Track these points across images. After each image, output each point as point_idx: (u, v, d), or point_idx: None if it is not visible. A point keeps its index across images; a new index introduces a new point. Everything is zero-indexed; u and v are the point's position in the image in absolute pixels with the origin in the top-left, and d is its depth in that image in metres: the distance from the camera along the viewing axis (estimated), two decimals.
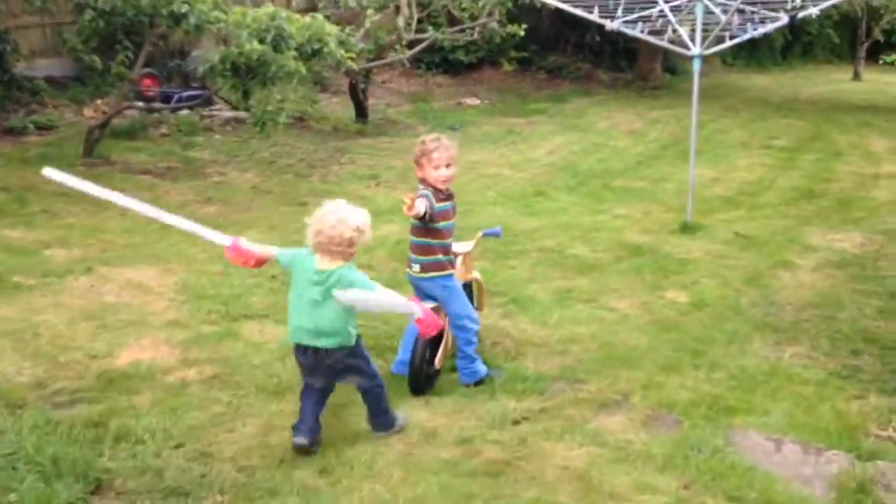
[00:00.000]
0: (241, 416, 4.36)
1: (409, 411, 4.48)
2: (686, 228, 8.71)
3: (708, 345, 5.61)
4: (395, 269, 6.94)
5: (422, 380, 4.71)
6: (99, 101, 13.20)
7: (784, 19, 8.42)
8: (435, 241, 4.74)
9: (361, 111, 13.97)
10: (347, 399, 4.43)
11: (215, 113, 13.09)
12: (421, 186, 4.74)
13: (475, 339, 4.85)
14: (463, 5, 13.98)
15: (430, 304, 4.37)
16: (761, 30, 8.71)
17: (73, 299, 5.89)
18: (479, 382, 4.84)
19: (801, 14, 8.18)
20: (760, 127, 15.87)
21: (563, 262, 7.37)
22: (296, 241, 7.92)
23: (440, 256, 4.76)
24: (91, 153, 10.10)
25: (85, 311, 5.67)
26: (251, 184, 9.64)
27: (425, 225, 4.69)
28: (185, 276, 6.51)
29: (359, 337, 4.12)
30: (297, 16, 9.04)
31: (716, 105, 17.71)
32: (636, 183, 11.02)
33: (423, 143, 4.75)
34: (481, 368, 4.89)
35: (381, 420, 4.25)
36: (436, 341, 4.75)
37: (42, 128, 11.68)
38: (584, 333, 5.69)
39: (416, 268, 4.77)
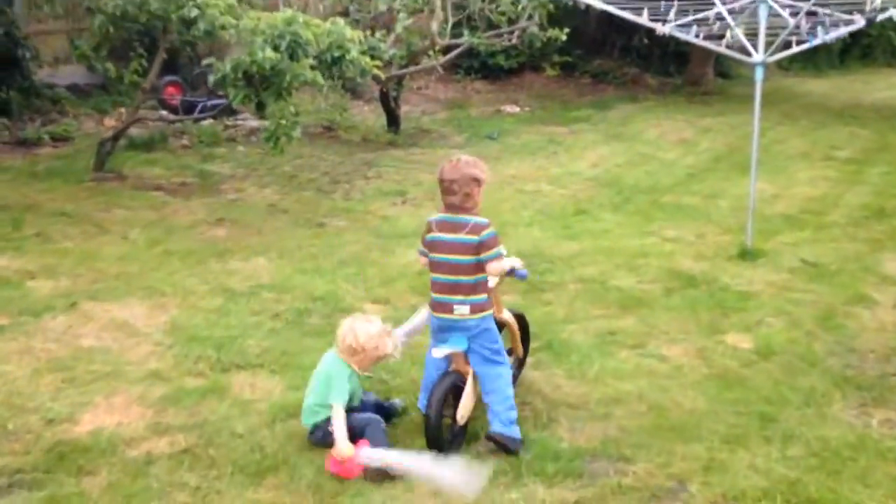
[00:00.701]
0: None
1: (416, 501, 3.67)
2: (746, 254, 7.73)
3: (779, 408, 4.68)
4: (414, 306, 6.13)
5: (440, 439, 4.09)
6: (122, 111, 12.66)
7: (860, 22, 7.41)
8: (485, 278, 4.21)
9: (393, 120, 13.20)
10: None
11: (240, 122, 12.44)
12: (479, 220, 4.18)
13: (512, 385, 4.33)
14: (500, 9, 13.12)
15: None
16: (833, 34, 7.69)
17: (46, 343, 5.19)
18: (511, 442, 4.12)
19: (881, 16, 7.16)
20: (821, 136, 14.67)
21: (605, 296, 6.48)
22: (306, 270, 7.34)
23: (487, 295, 4.25)
24: (102, 167, 9.49)
25: (55, 359, 4.96)
26: (268, 201, 8.91)
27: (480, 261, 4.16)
28: (178, 313, 5.78)
29: None
30: (317, 21, 8.28)
31: (772, 112, 16.49)
32: (687, 199, 10.03)
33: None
34: (517, 430, 4.20)
35: None
36: (455, 392, 4.21)
37: (58, 139, 11.15)
38: (629, 392, 4.80)
39: (464, 309, 4.14)
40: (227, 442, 4.07)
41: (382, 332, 4.23)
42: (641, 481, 3.84)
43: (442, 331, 4.24)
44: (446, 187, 4.18)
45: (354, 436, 4.06)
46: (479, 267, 4.14)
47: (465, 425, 4.23)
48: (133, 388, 4.64)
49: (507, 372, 4.30)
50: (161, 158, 10.53)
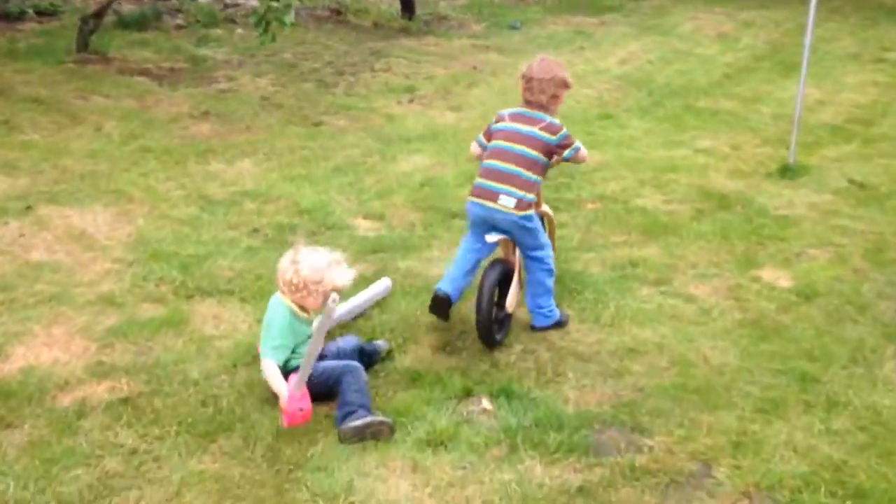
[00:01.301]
0: (139, 481, 2.99)
1: (390, 479, 3.09)
2: (786, 171, 6.89)
3: (823, 365, 4.00)
4: (411, 225, 5.42)
5: (492, 328, 3.98)
6: None
7: None
8: (540, 181, 4.16)
9: (407, 4, 12.09)
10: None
11: (240, 1, 11.42)
12: (554, 119, 4.16)
13: (554, 272, 4.28)
14: None
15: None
16: None
17: None
18: (555, 326, 4.20)
19: None
20: (873, 35, 13.36)
21: (627, 219, 5.73)
22: (296, 176, 6.47)
23: (535, 196, 4.15)
24: (86, 47, 8.63)
25: None
26: (262, 94, 8.07)
27: (549, 165, 4.20)
28: (145, 223, 5.11)
29: None
30: None
31: (820, 7, 15.06)
32: (724, 103, 9.07)
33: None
34: (557, 312, 4.25)
35: None
36: (506, 280, 4.12)
37: (43, 13, 10.22)
38: (649, 341, 4.13)
39: (510, 202, 3.98)
40: (177, 390, 3.48)
41: (330, 262, 3.54)
42: (658, 461, 3.22)
43: (483, 221, 4.10)
44: (534, 86, 4.11)
45: (329, 389, 3.47)
46: (538, 167, 4.09)
47: (511, 313, 4.16)
48: (79, 315, 4.03)
49: (549, 265, 4.22)
50: (152, 39, 9.62)
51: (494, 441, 3.29)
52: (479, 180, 4.11)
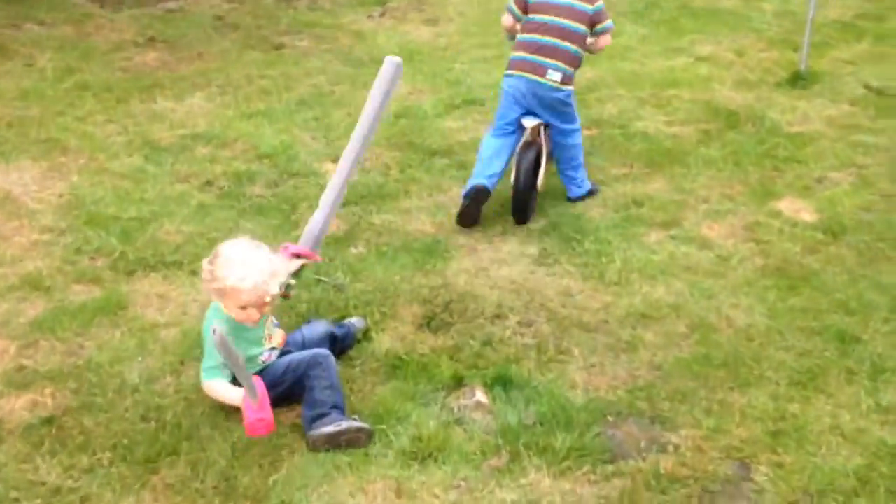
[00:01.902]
0: None
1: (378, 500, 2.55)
2: (797, 79, 6.18)
3: (861, 319, 3.44)
4: (386, 167, 4.72)
5: (528, 206, 4.17)
6: None
7: None
8: (582, 54, 4.22)
9: None
10: None
11: None
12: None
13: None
14: None
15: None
16: None
17: None
18: (588, 195, 4.39)
19: None
20: None
21: (627, 147, 5.05)
22: (254, 113, 5.37)
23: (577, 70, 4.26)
24: None
25: None
26: (215, 12, 7.14)
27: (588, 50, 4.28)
28: (80, 179, 4.38)
29: None
30: None
31: None
32: (724, 1, 8.23)
33: None
34: (588, 182, 4.45)
35: None
36: (537, 161, 4.20)
37: None
38: (663, 301, 3.54)
39: (557, 76, 4.07)
40: (112, 402, 2.87)
41: (262, 266, 2.77)
42: (687, 464, 2.68)
43: (523, 97, 4.10)
44: None
45: (294, 387, 2.90)
46: (582, 40, 4.15)
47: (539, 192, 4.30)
48: None
49: (580, 139, 4.36)
50: None
51: (492, 448, 2.74)
52: (523, 54, 4.12)
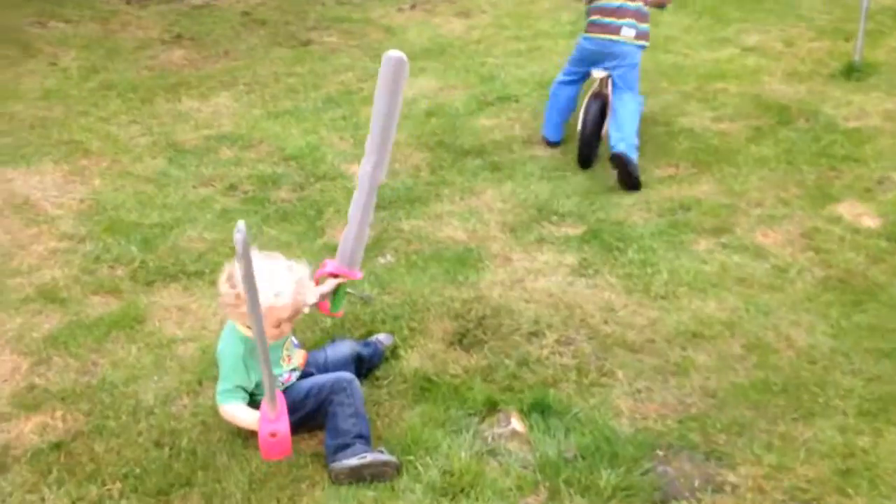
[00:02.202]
0: None
1: None
2: (852, 71, 5.81)
3: None
4: (416, 169, 4.49)
5: (592, 152, 4.51)
6: None
7: None
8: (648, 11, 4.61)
9: None
10: None
11: None
12: None
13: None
14: None
15: None
16: None
17: None
18: (634, 164, 4.26)
19: None
20: None
21: (672, 146, 4.76)
22: (281, 112, 5.21)
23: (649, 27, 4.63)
24: None
25: None
26: (243, 7, 6.97)
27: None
28: (102, 183, 4.23)
29: None
30: None
31: None
32: None
33: None
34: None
35: None
36: (603, 111, 4.51)
37: None
38: (715, 318, 3.26)
39: (631, 33, 4.45)
40: (125, 426, 2.70)
41: (290, 276, 2.57)
42: None
43: (592, 55, 4.50)
44: None
45: (316, 414, 2.69)
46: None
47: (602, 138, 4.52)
48: (11, 318, 3.22)
49: (639, 105, 4.52)
50: None
51: (530, 484, 2.50)
52: (598, 17, 4.49)
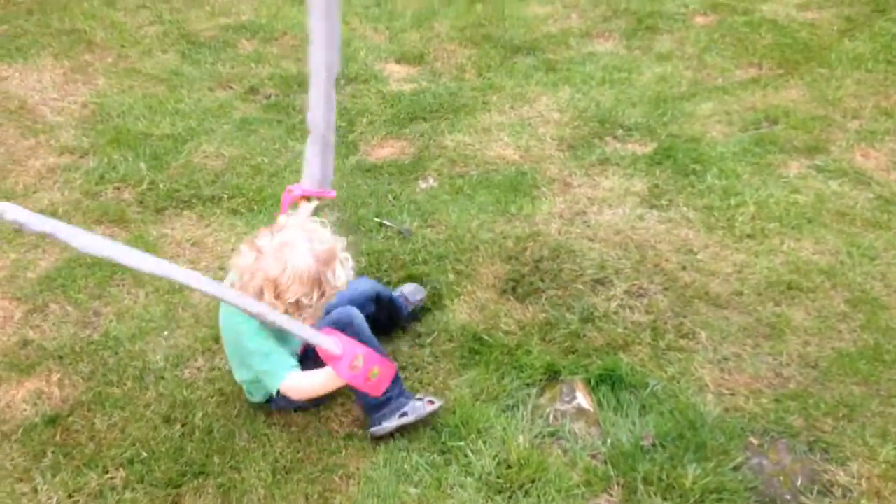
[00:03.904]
0: None
1: None
2: None
3: None
4: (461, 69, 3.82)
5: None
6: None
7: None
8: None
9: None
10: None
11: None
12: None
13: None
14: None
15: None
16: None
17: None
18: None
19: None
20: None
21: (753, 39, 4.01)
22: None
23: None
24: None
25: None
26: None
27: None
28: (107, 84, 3.64)
29: None
30: None
31: None
32: None
33: None
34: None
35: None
36: None
37: None
38: (813, 264, 2.66)
39: None
40: (130, 394, 2.25)
41: (331, 252, 2.02)
42: None
43: None
44: None
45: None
46: None
47: None
48: (4, 252, 2.76)
49: None
50: None
51: (601, 478, 2.07)
52: None
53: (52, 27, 4.07)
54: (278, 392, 2.08)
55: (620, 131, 3.42)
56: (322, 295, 1.99)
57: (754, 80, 3.70)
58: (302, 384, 2.06)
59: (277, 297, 1.95)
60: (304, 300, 1.97)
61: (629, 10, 4.27)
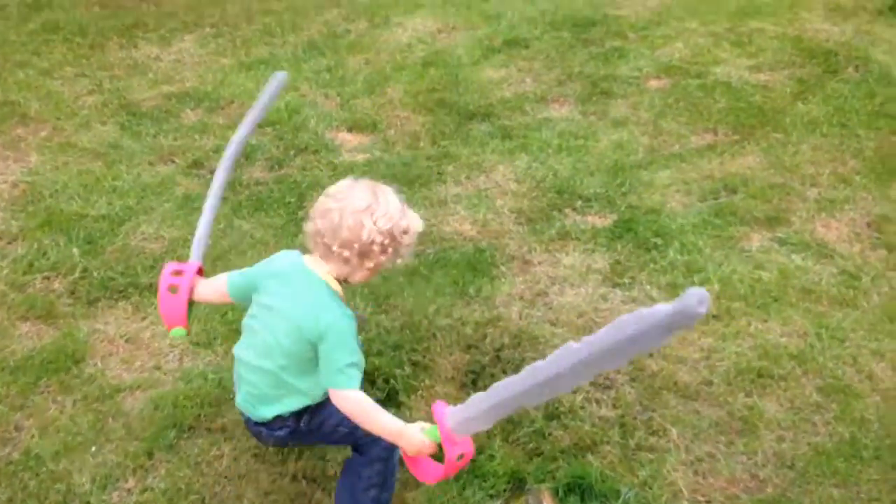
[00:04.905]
0: None
1: None
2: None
3: None
4: (415, 137, 3.69)
5: None
6: None
7: None
8: None
9: None
10: None
11: None
12: None
13: None
14: None
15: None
16: None
17: None
18: None
19: None
20: None
21: (707, 104, 3.92)
22: (254, 62, 4.15)
23: None
24: None
25: None
26: None
27: None
28: (41, 161, 3.40)
29: None
30: None
31: None
32: None
33: None
34: None
35: None
36: None
37: None
38: (782, 348, 2.53)
39: None
40: None
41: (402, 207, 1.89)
42: None
43: None
44: None
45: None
46: None
47: None
48: None
49: None
50: None
51: None
52: None
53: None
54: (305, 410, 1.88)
55: (579, 202, 3.30)
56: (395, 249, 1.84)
57: (710, 147, 3.63)
58: (367, 404, 1.79)
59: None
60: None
61: (583, 73, 4.20)
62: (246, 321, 1.92)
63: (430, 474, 1.77)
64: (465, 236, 3.09)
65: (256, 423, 1.92)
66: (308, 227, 1.87)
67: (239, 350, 1.92)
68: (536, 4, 4.92)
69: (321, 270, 1.86)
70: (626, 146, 3.65)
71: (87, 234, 3.03)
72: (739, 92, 4.05)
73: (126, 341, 2.60)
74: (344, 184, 1.90)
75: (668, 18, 4.80)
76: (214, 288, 1.99)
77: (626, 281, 2.87)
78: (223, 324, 2.66)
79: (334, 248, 1.81)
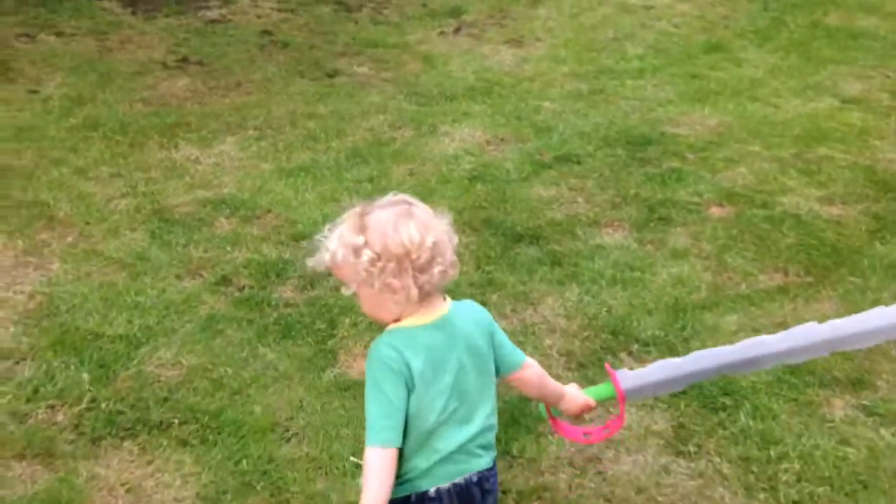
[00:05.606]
0: None
1: None
2: None
3: None
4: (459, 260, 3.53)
5: None
6: None
7: None
8: None
9: None
10: None
11: None
12: None
13: None
14: None
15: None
16: None
17: None
18: None
19: None
20: None
21: (775, 238, 3.66)
22: (295, 168, 4.03)
23: None
24: None
25: None
26: (264, 24, 5.95)
27: None
28: (62, 270, 3.23)
29: None
30: None
31: None
32: (862, 21, 6.68)
33: None
34: None
35: None
36: None
37: None
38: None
39: None
40: None
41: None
42: None
43: None
44: None
45: None
46: None
47: None
48: None
49: None
50: None
51: None
52: None
53: (12, 198, 3.72)
54: None
55: (636, 346, 3.02)
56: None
57: (781, 290, 3.34)
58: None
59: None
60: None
61: (639, 196, 3.99)
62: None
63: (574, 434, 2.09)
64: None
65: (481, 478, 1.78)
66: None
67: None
68: (589, 118, 4.77)
69: None
70: (688, 282, 3.38)
71: (100, 357, 2.83)
72: (810, 226, 3.78)
73: (127, 491, 2.35)
74: None
75: (728, 140, 4.59)
76: None
77: (692, 449, 2.55)
78: (235, 475, 2.41)
79: None
